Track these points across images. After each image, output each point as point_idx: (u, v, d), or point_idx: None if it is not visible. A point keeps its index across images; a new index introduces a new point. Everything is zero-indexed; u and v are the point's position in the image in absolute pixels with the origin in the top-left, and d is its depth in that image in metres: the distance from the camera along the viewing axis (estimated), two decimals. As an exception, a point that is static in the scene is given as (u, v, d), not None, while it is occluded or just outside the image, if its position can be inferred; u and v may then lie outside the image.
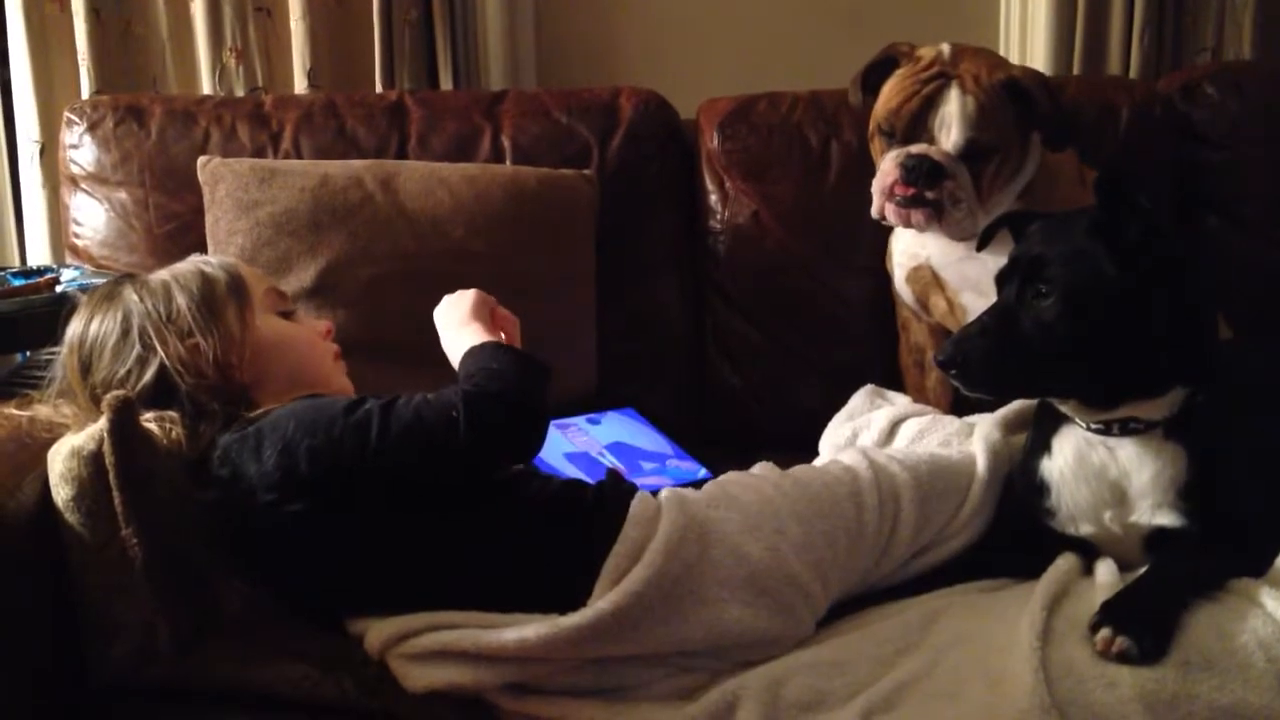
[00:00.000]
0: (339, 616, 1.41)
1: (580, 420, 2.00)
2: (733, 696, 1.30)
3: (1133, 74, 2.53)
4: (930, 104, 1.81)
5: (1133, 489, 1.48)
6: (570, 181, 2.16)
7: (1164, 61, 2.55)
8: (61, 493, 1.31)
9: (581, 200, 2.15)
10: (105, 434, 1.28)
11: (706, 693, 1.32)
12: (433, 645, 1.31)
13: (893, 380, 2.10)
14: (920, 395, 2.04)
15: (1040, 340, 1.41)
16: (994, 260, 1.56)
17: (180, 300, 1.51)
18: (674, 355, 2.26)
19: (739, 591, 1.37)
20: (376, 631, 1.35)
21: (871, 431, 1.84)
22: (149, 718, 1.35)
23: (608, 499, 1.44)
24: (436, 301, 1.67)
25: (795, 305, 2.23)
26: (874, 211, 1.88)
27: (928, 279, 1.99)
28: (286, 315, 1.63)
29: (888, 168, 1.84)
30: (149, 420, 1.37)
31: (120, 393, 1.33)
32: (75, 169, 2.18)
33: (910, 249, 2.01)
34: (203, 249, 1.99)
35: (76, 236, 2.18)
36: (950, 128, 1.80)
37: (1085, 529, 1.53)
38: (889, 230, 2.05)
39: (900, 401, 1.98)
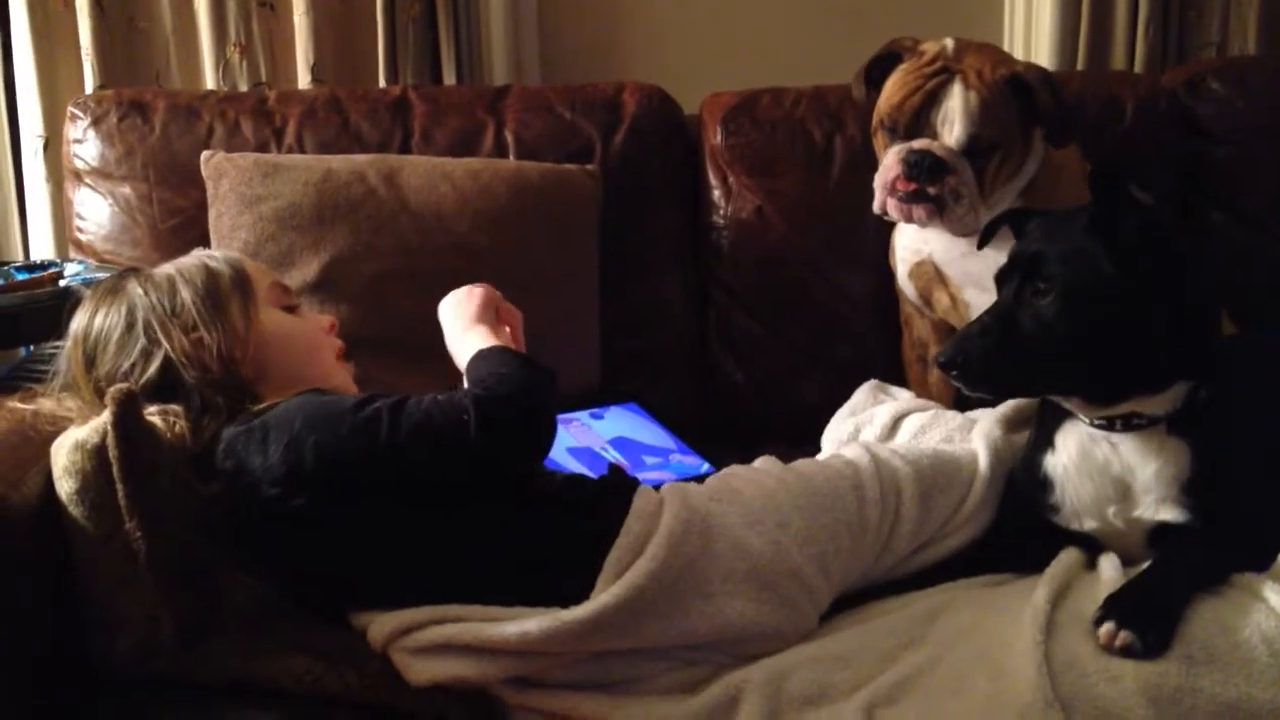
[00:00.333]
0: (342, 610, 1.41)
1: (583, 415, 2.00)
2: (736, 690, 1.30)
3: (1137, 68, 2.53)
4: (933, 99, 1.81)
5: (1136, 484, 1.48)
6: (573, 176, 2.16)
7: (1169, 56, 2.55)
8: (65, 486, 1.31)
9: (585, 195, 2.15)
10: (109, 427, 1.28)
11: (709, 686, 1.32)
12: (436, 639, 1.31)
13: (895, 375, 2.10)
14: (923, 390, 2.04)
15: (1040, 339, 1.41)
16: (997, 256, 1.56)
17: (185, 294, 1.51)
18: (677, 350, 2.26)
19: (742, 585, 1.37)
20: (380, 625, 1.35)
21: (874, 427, 1.85)
22: (152, 711, 1.34)
23: (610, 493, 1.44)
24: (440, 296, 1.67)
25: (798, 300, 2.23)
26: (876, 207, 1.88)
27: (930, 275, 1.99)
28: (290, 310, 1.63)
29: (890, 163, 1.83)
30: (153, 414, 1.37)
31: (124, 386, 1.32)
32: (79, 164, 2.18)
33: (913, 244, 2.01)
34: (206, 244, 2.00)
35: (80, 231, 2.18)
36: (953, 123, 1.79)
37: (1089, 524, 1.53)
38: (892, 225, 2.04)
39: (903, 397, 1.98)
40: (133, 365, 1.46)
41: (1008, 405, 1.73)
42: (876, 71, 1.91)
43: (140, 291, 1.51)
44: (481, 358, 1.47)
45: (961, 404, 1.88)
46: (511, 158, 2.20)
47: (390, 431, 1.33)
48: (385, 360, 1.94)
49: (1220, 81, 2.28)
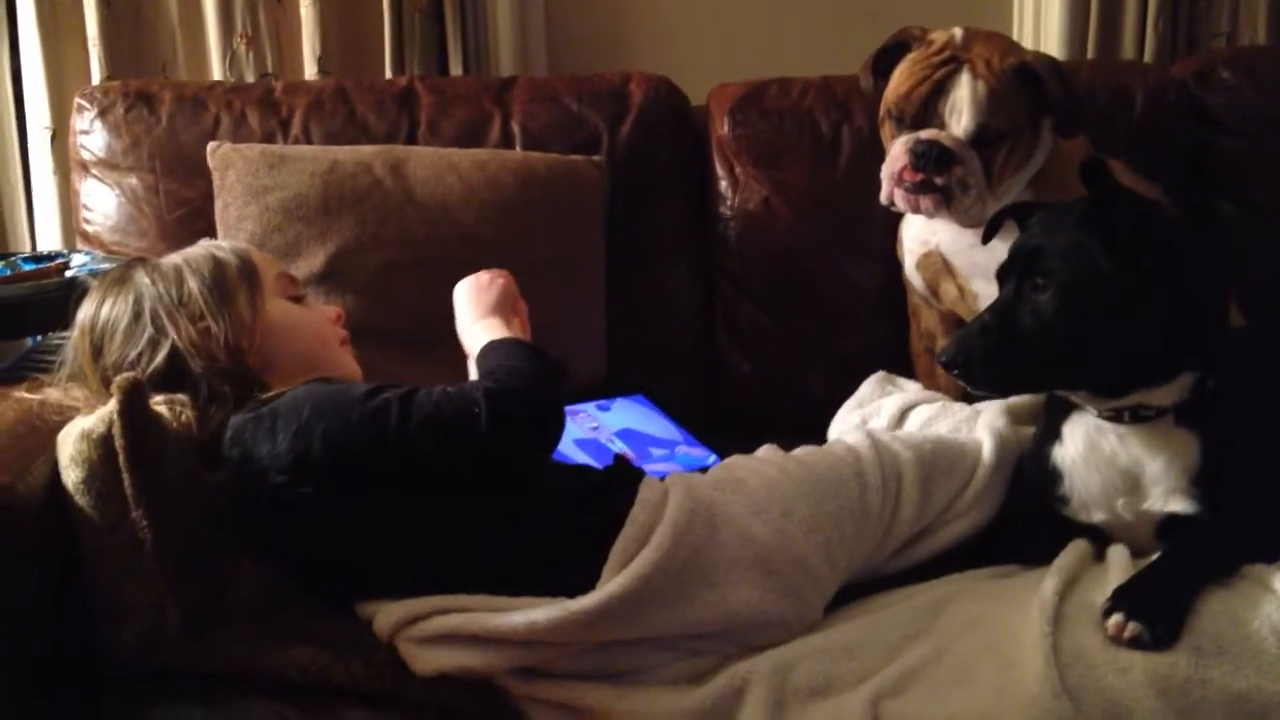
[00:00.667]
0: (348, 600, 1.41)
1: (590, 407, 2.00)
2: (741, 680, 1.30)
3: (1147, 59, 2.51)
4: (941, 89, 1.80)
5: (1145, 476, 1.48)
6: (580, 167, 2.15)
7: (1179, 46, 2.54)
8: (71, 475, 1.31)
9: (591, 186, 2.15)
10: (115, 416, 1.28)
11: (715, 677, 1.31)
12: (441, 629, 1.31)
13: (903, 367, 2.10)
14: (931, 382, 2.03)
15: (1040, 336, 1.40)
16: (1004, 247, 1.55)
17: (192, 284, 1.51)
18: (684, 341, 2.26)
19: (747, 573, 1.37)
20: (385, 615, 1.35)
21: (880, 418, 1.84)
22: (158, 702, 1.34)
23: (615, 484, 1.44)
24: (446, 287, 1.67)
25: (806, 291, 2.22)
26: (883, 197, 1.87)
27: (938, 266, 1.98)
28: (297, 300, 1.63)
29: (897, 153, 1.83)
30: (159, 403, 1.37)
31: (130, 375, 1.33)
32: (86, 155, 2.18)
33: (920, 235, 2.00)
34: (213, 235, 2.00)
35: (87, 222, 2.18)
36: (961, 113, 1.78)
37: (1098, 516, 1.52)
38: (900, 216, 2.04)
39: (910, 388, 1.98)
40: (140, 354, 1.46)
41: (1015, 397, 1.72)
42: (884, 61, 1.90)
43: (147, 281, 1.51)
44: (493, 349, 1.48)
45: (970, 396, 1.86)
46: (518, 149, 2.20)
47: (400, 422, 1.33)
48: (391, 350, 1.94)
49: (1230, 72, 2.27)
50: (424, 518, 1.37)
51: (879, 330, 2.20)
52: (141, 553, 1.30)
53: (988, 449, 1.60)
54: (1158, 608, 1.31)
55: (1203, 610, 1.33)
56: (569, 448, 1.84)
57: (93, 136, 2.17)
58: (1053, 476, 1.54)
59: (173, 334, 1.46)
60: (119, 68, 2.44)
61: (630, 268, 2.21)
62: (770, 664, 1.32)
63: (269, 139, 2.16)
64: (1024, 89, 1.80)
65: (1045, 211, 1.49)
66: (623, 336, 2.19)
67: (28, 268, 1.92)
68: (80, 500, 1.31)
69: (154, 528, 1.29)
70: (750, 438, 1.74)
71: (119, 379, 1.30)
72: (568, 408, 1.91)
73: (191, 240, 1.67)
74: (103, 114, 2.17)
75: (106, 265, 1.85)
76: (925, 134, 1.80)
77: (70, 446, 1.31)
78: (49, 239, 2.49)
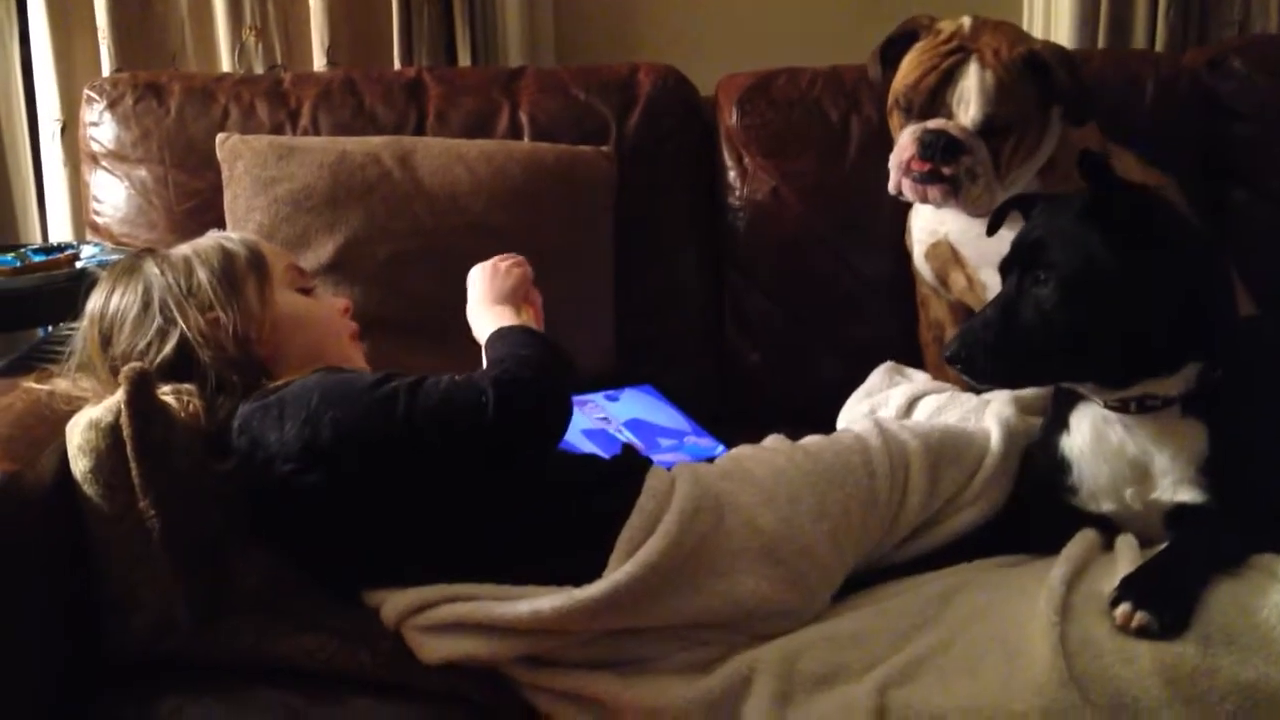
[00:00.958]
0: (356, 588, 1.41)
1: (598, 397, 2.00)
2: (748, 669, 1.30)
3: (1158, 48, 2.50)
4: (949, 78, 1.79)
5: (1153, 466, 1.47)
6: (588, 158, 2.15)
7: (1190, 35, 2.53)
8: (79, 465, 1.32)
9: (599, 177, 2.14)
10: (123, 406, 1.29)
11: (721, 666, 1.31)
12: (448, 617, 1.32)
13: (913, 357, 2.09)
14: (940, 372, 2.03)
15: (1042, 328, 1.40)
16: (1013, 237, 1.55)
17: (201, 274, 1.51)
18: (693, 331, 2.26)
19: (754, 563, 1.37)
20: (392, 603, 1.35)
21: (889, 408, 1.84)
22: (165, 690, 1.35)
23: (623, 473, 1.44)
24: (455, 278, 1.68)
25: (815, 281, 2.22)
26: (891, 187, 1.86)
27: (947, 255, 1.98)
28: (306, 292, 1.63)
29: (905, 143, 1.82)
30: (167, 393, 1.38)
31: (137, 365, 1.33)
32: (95, 146, 2.18)
33: (929, 225, 2.00)
34: (222, 226, 2.00)
35: (97, 214, 2.18)
36: (969, 103, 1.78)
37: (1106, 506, 1.52)
38: (908, 206, 2.03)
39: (919, 378, 1.98)
40: (148, 345, 1.47)
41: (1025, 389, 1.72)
42: (893, 50, 1.90)
43: (156, 271, 1.52)
44: (502, 337, 1.48)
45: (977, 388, 1.87)
46: (526, 139, 2.19)
47: (407, 410, 1.33)
48: (400, 341, 1.95)
49: (1242, 60, 2.25)
50: (431, 506, 1.37)
51: (888, 320, 2.19)
52: (149, 542, 1.31)
53: (995, 438, 1.60)
54: (1165, 597, 1.30)
55: (1211, 600, 1.32)
56: (577, 438, 1.84)
57: (102, 128, 2.17)
58: (1061, 466, 1.54)
59: (181, 324, 1.46)
60: (129, 60, 2.45)
61: (639, 258, 2.21)
62: (777, 653, 1.32)
63: (278, 130, 2.16)
64: (1032, 78, 1.79)
65: (1047, 203, 1.49)
66: (631, 327, 2.19)
67: (38, 259, 1.93)
68: (88, 489, 1.32)
69: (161, 517, 1.30)
70: (759, 428, 1.74)
71: (126, 369, 1.30)
72: (576, 398, 1.92)
73: (201, 232, 1.68)
74: (112, 106, 2.17)
75: (116, 257, 1.86)
76: (933, 124, 1.80)
77: (78, 436, 1.32)
78: (60, 231, 2.50)
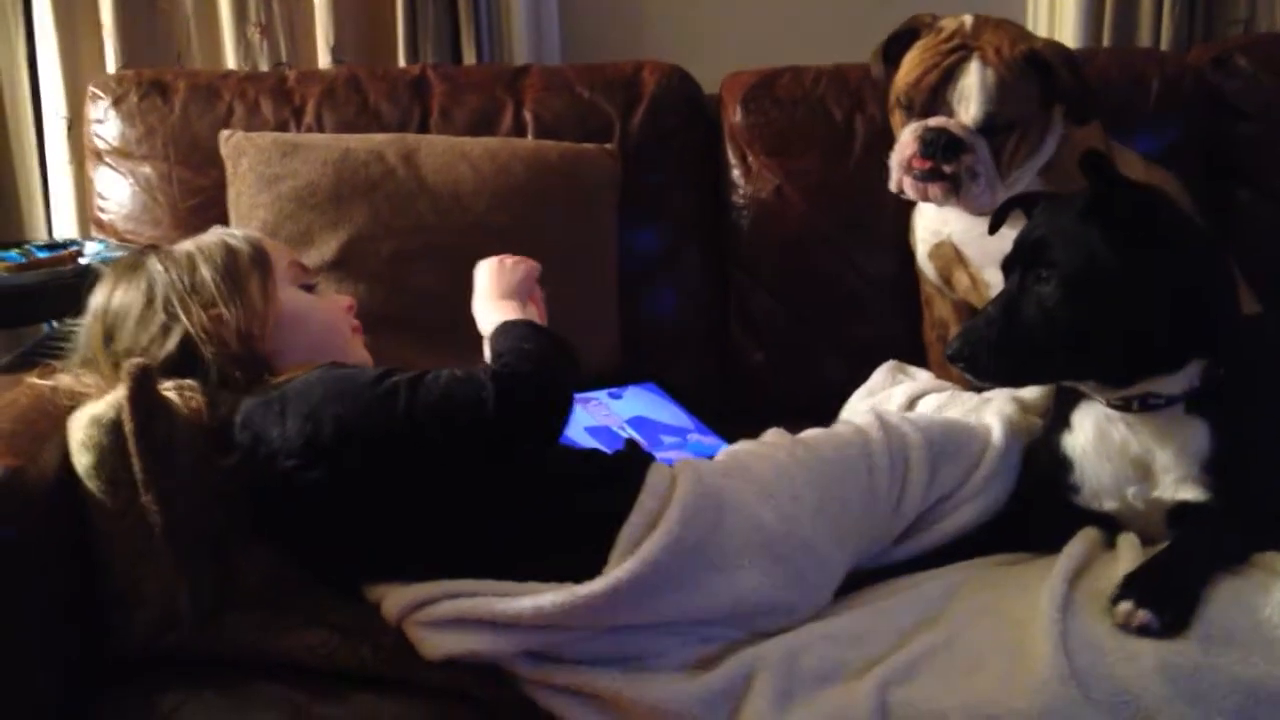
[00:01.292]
0: (357, 584, 1.41)
1: (602, 394, 2.00)
2: (750, 667, 1.30)
3: (1163, 46, 2.49)
4: (950, 76, 1.79)
5: (1156, 464, 1.47)
6: (592, 156, 2.15)
7: (1195, 33, 2.52)
8: (81, 460, 1.32)
9: (604, 175, 2.15)
10: (125, 401, 1.29)
11: (723, 663, 1.31)
12: (450, 613, 1.31)
13: (916, 356, 2.09)
14: (943, 371, 2.03)
15: (1044, 327, 1.40)
16: (1016, 235, 1.55)
17: (204, 271, 1.52)
18: (697, 330, 2.26)
19: (755, 559, 1.37)
20: (394, 599, 1.35)
21: (890, 406, 1.84)
22: (167, 685, 1.35)
23: (624, 469, 1.44)
24: (459, 275, 1.68)
25: (818, 280, 2.22)
26: (892, 185, 1.86)
27: (950, 255, 1.98)
28: (309, 288, 1.64)
29: (906, 141, 1.82)
30: (169, 389, 1.38)
31: (139, 360, 1.33)
32: (100, 143, 2.19)
33: (933, 225, 2.00)
34: (226, 223, 2.01)
35: (101, 211, 2.19)
36: (969, 101, 1.78)
37: (1109, 505, 1.52)
38: (912, 205, 2.03)
39: (922, 377, 1.98)
40: (151, 340, 1.47)
41: (1027, 388, 1.72)
42: (895, 48, 1.89)
43: (160, 268, 1.52)
44: (505, 331, 1.48)
45: (981, 388, 1.87)
46: (530, 137, 2.20)
47: (408, 405, 1.33)
48: (404, 338, 1.95)
49: (1247, 58, 2.25)
50: (432, 502, 1.37)
51: (892, 319, 2.19)
52: (152, 537, 1.31)
53: (996, 433, 1.60)
54: (1167, 595, 1.31)
55: (1213, 598, 1.32)
56: (580, 435, 1.85)
57: (107, 125, 2.18)
58: (1064, 465, 1.54)
59: (184, 320, 1.47)
60: (134, 57, 2.45)
61: (643, 256, 2.22)
62: (779, 650, 1.32)
63: (282, 127, 2.16)
64: (1034, 77, 1.79)
65: (1049, 202, 1.49)
66: (635, 325, 2.19)
67: (42, 255, 1.94)
68: (91, 485, 1.32)
69: (164, 512, 1.30)
70: (762, 426, 1.74)
71: (128, 364, 1.31)
72: (579, 396, 1.93)
73: (205, 229, 1.67)
74: (117, 103, 2.18)
75: (120, 253, 1.87)
76: (934, 122, 1.80)
77: (80, 431, 1.32)
78: (65, 228, 2.51)
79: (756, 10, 2.64)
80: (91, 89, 2.21)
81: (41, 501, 1.33)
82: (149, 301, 1.49)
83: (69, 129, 2.47)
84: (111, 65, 2.45)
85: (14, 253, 1.96)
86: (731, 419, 2.06)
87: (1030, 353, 1.42)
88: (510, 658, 1.32)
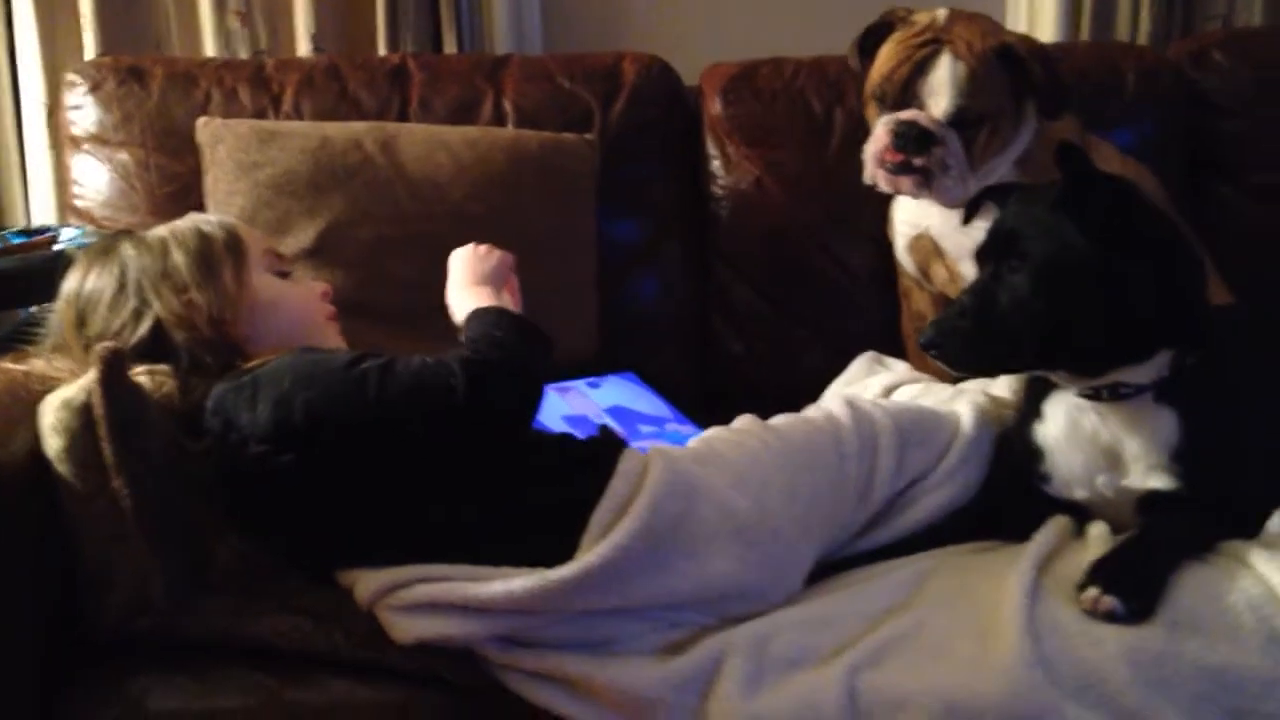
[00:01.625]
0: (329, 568, 1.41)
1: (580, 384, 2.00)
2: (720, 651, 1.31)
3: (1142, 41, 2.50)
4: (921, 70, 1.80)
5: (1125, 453, 1.48)
6: (572, 145, 2.15)
7: (1174, 28, 2.53)
8: (52, 444, 1.32)
9: (583, 164, 2.15)
10: (95, 385, 1.29)
11: (693, 647, 1.32)
12: (421, 597, 1.32)
13: (895, 347, 2.10)
14: (921, 363, 2.03)
15: (1017, 316, 1.40)
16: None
17: (177, 256, 1.52)
18: (676, 320, 2.26)
19: (726, 545, 1.37)
20: (365, 583, 1.35)
21: (866, 396, 1.84)
22: (140, 669, 1.35)
23: (597, 455, 1.44)
24: (437, 264, 1.67)
25: (798, 271, 2.22)
26: (866, 177, 1.87)
27: (929, 248, 1.98)
28: (284, 275, 1.64)
29: (879, 133, 1.83)
30: (140, 373, 1.38)
31: (110, 344, 1.33)
32: (77, 130, 2.18)
33: (911, 218, 2.00)
34: (203, 210, 2.00)
35: (78, 197, 2.17)
36: (940, 94, 1.78)
37: (1079, 493, 1.53)
38: (890, 198, 2.03)
39: (899, 369, 1.99)
40: (123, 325, 1.47)
41: (1000, 378, 1.72)
42: (870, 42, 1.90)
43: (133, 253, 1.52)
44: (478, 316, 1.48)
45: (959, 380, 1.87)
46: (510, 126, 2.20)
47: (379, 391, 1.34)
48: (381, 326, 1.95)
49: (1225, 54, 2.27)
50: (403, 487, 1.37)
51: (871, 311, 2.21)
52: (124, 521, 1.31)
53: (966, 421, 1.61)
54: (1133, 582, 1.32)
55: (1179, 585, 1.33)
56: (558, 424, 1.85)
57: (84, 112, 2.17)
58: (1035, 454, 1.55)
59: (156, 305, 1.47)
60: (112, 44, 2.43)
61: (623, 246, 2.22)
62: (748, 635, 1.32)
63: (260, 115, 2.16)
64: (1005, 71, 1.80)
65: (1022, 193, 1.49)
66: (615, 315, 2.19)
67: (17, 241, 1.93)
68: (61, 469, 1.32)
69: (134, 496, 1.30)
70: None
71: (98, 348, 1.31)
72: (558, 385, 1.94)
73: (181, 215, 1.67)
74: (94, 89, 2.17)
75: (95, 239, 1.86)
76: (905, 115, 1.80)
77: (51, 415, 1.32)
78: (44, 214, 2.49)
79: (737, 2, 2.65)
80: (68, 75, 2.20)
81: (13, 485, 1.33)
82: (121, 286, 1.49)
83: (48, 116, 2.45)
84: (90, 52, 2.43)
85: (-11, 239, 1.96)
86: (711, 409, 2.06)
87: (1002, 342, 1.43)
88: (482, 642, 1.32)
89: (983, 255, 1.48)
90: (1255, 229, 2.22)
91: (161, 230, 1.57)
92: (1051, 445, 1.53)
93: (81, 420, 1.30)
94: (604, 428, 1.57)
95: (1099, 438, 1.49)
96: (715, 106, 2.26)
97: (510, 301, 1.59)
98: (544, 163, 2.11)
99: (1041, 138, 1.87)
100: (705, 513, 1.38)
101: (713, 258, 2.26)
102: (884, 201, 2.07)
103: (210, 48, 2.50)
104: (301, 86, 2.20)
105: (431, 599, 1.31)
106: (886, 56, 1.84)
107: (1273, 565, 1.33)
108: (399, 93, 2.22)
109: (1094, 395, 1.47)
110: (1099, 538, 1.46)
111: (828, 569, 1.49)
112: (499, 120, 2.21)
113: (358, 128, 2.09)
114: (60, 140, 2.28)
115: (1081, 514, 1.53)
